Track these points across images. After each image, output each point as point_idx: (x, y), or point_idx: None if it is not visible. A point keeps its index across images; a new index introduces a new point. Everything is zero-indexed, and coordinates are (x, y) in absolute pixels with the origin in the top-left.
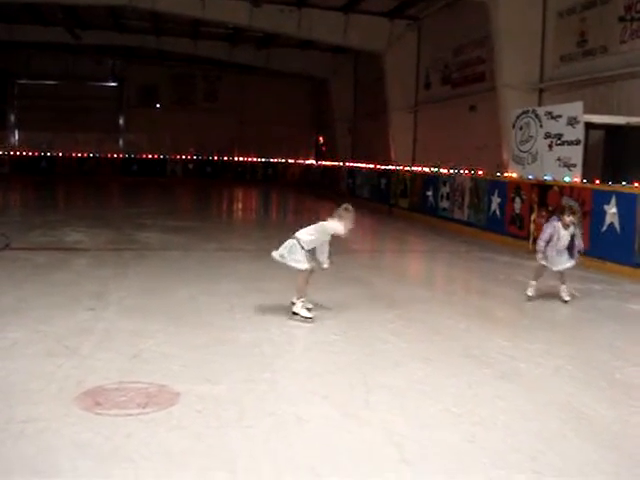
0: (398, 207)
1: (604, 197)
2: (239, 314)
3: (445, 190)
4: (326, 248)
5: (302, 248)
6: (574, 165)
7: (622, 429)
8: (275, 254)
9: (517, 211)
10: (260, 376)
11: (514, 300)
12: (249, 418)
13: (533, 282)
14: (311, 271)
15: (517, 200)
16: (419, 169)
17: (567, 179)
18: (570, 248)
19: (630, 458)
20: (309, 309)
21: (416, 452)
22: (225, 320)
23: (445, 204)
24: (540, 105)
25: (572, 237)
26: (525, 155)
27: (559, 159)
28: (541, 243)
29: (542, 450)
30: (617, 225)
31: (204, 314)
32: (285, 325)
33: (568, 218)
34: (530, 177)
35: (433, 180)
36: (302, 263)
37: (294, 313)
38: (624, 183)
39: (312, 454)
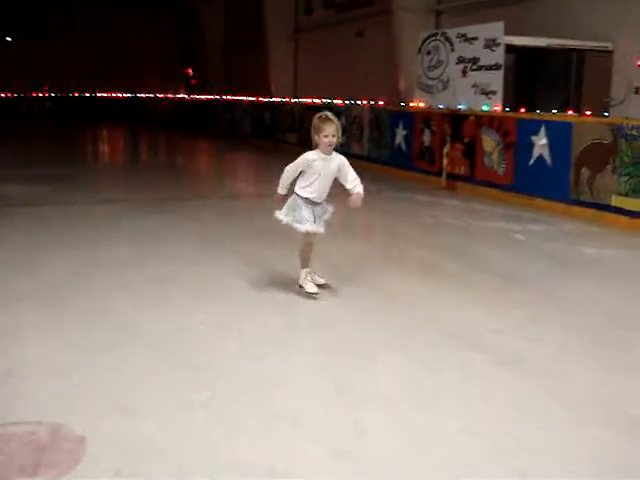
0: (286, 143)
1: (531, 127)
2: (142, 292)
3: (340, 123)
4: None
5: (301, 198)
6: (494, 92)
7: None
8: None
9: (426, 144)
10: (197, 397)
11: (455, 249)
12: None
13: None
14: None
15: (426, 132)
16: (308, 101)
17: (486, 108)
18: None
19: None
20: (320, 285)
21: None
22: (125, 303)
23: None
24: (438, 28)
25: None
26: (434, 82)
27: (475, 85)
28: None
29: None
30: (548, 158)
31: (95, 296)
32: (208, 307)
33: None
34: (441, 106)
35: None
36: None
37: (300, 286)
38: (554, 111)
39: None
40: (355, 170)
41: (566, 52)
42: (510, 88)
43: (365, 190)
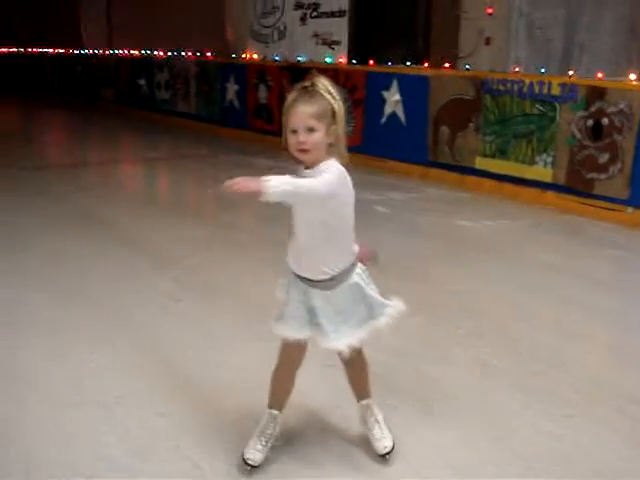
0: (102, 100)
1: (382, 81)
2: None
3: (163, 77)
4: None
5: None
6: (337, 42)
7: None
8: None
9: (263, 101)
10: None
11: None
12: None
13: None
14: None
15: (261, 87)
16: (125, 52)
17: (329, 60)
18: None
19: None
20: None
21: None
22: None
23: (164, 95)
24: None
25: None
26: (269, 31)
27: (316, 35)
28: None
29: None
30: (402, 116)
31: None
32: None
33: None
34: (277, 58)
35: (145, 65)
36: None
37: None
38: (409, 63)
39: None
40: (182, 130)
41: None
42: (353, 37)
43: (197, 154)
